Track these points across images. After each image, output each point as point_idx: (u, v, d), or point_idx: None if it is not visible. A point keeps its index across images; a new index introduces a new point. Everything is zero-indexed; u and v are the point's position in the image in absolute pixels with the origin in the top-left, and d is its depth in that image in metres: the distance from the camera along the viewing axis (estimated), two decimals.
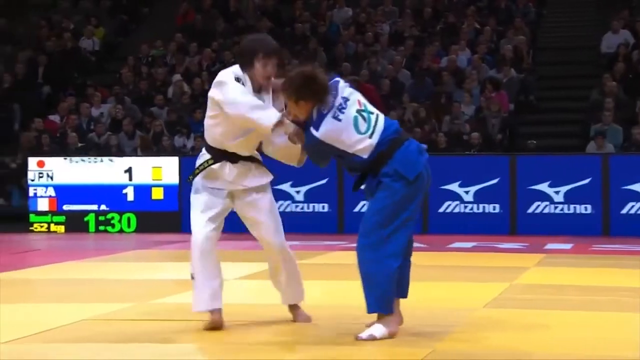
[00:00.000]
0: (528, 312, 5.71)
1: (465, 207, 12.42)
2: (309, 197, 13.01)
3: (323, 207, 12.98)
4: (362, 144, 4.79)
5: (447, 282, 7.39)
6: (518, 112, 15.37)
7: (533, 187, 12.34)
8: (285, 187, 13.03)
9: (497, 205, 12.26)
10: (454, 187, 12.52)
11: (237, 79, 4.98)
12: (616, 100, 14.16)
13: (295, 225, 12.83)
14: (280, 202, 13.03)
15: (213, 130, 5.07)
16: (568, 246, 10.60)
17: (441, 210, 12.51)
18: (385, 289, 4.64)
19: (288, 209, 12.94)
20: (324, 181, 12.93)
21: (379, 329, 4.65)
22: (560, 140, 14.87)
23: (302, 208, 13.02)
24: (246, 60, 5.03)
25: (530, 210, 12.34)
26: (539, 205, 12.34)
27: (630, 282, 7.16)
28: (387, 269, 4.63)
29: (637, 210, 12.07)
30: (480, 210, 12.30)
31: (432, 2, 17.88)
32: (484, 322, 5.36)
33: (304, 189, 13.01)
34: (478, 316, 5.56)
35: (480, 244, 10.72)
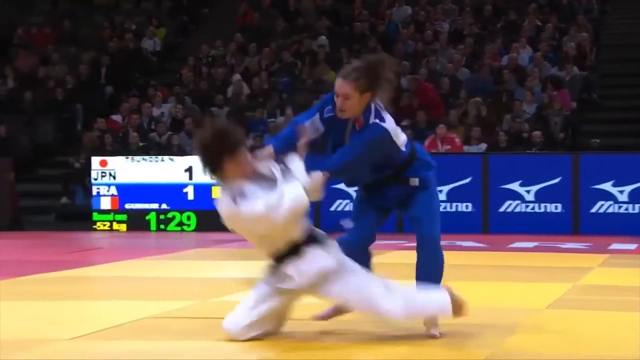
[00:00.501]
0: (591, 314, 5.61)
1: (527, 206, 12.26)
2: None
3: None
4: (403, 136, 4.75)
5: (508, 282, 7.30)
6: (581, 110, 15.13)
7: (596, 186, 12.14)
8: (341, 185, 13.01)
9: (559, 205, 12.09)
10: (514, 186, 12.37)
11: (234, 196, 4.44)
12: None
13: None
14: (339, 200, 13.02)
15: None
16: (633, 246, 10.39)
17: (502, 209, 12.37)
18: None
19: (347, 207, 12.92)
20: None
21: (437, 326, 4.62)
22: (623, 139, 14.61)
23: None
24: (215, 168, 4.49)
25: (593, 210, 12.13)
26: (602, 205, 12.13)
27: None
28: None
29: None
30: (542, 210, 12.14)
31: (492, 0, 17.70)
32: (547, 323, 5.28)
33: None
34: (541, 317, 5.48)
35: (542, 243, 10.57)
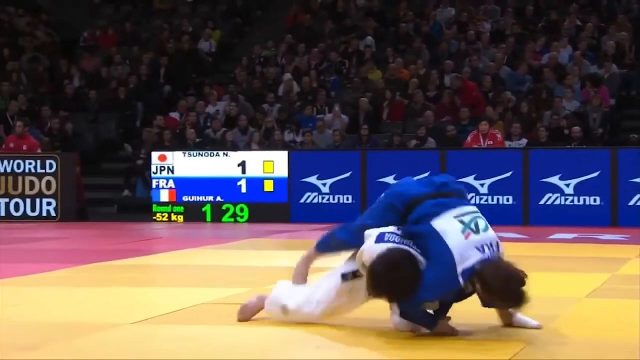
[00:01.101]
0: (631, 303, 5.54)
1: (566, 199, 12.12)
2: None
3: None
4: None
5: (548, 272, 7.22)
6: (620, 107, 14.91)
7: (635, 180, 11.95)
8: (390, 179, 12.99)
9: (598, 198, 11.93)
10: (554, 180, 12.24)
11: None
12: None
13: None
14: None
15: None
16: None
17: (542, 202, 12.25)
18: None
19: None
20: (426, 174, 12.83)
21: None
22: None
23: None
24: None
25: (631, 203, 11.95)
26: None
27: None
28: None
29: None
30: (581, 203, 11.99)
31: (534, 1, 17.51)
32: (587, 311, 5.23)
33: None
34: (581, 306, 5.43)
35: (582, 235, 10.44)
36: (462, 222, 4.10)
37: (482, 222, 4.14)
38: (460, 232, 4.06)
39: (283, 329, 4.67)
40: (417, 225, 4.15)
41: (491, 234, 4.14)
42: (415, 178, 4.58)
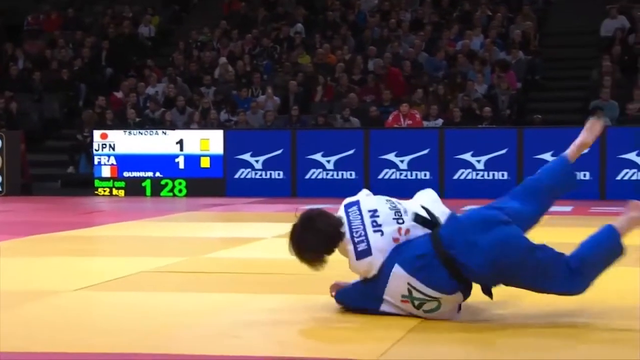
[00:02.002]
0: None
1: (477, 174, 12.35)
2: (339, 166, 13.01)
3: (350, 175, 12.97)
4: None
5: None
6: (525, 90, 15.21)
7: (538, 156, 12.25)
8: (317, 156, 13.04)
9: (506, 173, 12.19)
10: (467, 156, 12.45)
11: None
12: (613, 79, 13.97)
13: (327, 190, 12.89)
14: (312, 170, 13.05)
15: None
16: (568, 209, 10.51)
17: (455, 177, 12.46)
18: None
19: (320, 176, 12.96)
20: (351, 151, 12.92)
21: None
22: (563, 115, 14.71)
23: (332, 175, 13.03)
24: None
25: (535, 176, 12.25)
26: None
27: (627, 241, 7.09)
28: None
29: (631, 176, 11.96)
30: (491, 178, 12.23)
31: None
32: None
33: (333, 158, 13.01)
34: None
35: None
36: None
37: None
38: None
39: (222, 294, 4.67)
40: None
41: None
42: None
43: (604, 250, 3.76)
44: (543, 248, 3.76)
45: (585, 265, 3.70)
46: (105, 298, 4.55)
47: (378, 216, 3.81)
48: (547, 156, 12.26)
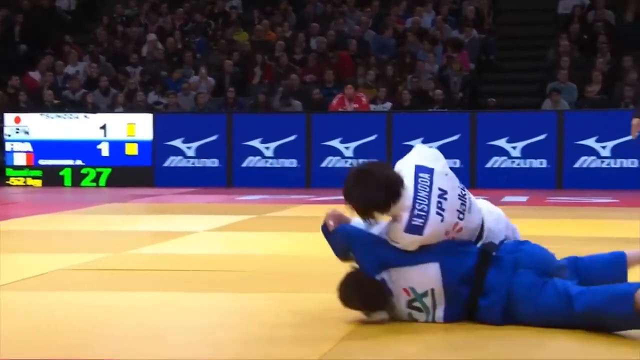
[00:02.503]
0: None
1: None
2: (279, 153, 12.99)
3: (291, 163, 12.98)
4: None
5: None
6: (479, 71, 15.39)
7: (492, 142, 12.43)
8: (255, 143, 13.01)
9: (458, 160, 12.34)
10: (417, 143, 12.55)
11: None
12: (571, 60, 14.22)
13: (266, 180, 12.87)
14: (250, 157, 13.02)
15: None
16: (524, 199, 10.71)
17: None
18: None
19: (259, 164, 12.93)
20: (292, 137, 12.92)
21: None
22: (518, 99, 14.94)
23: (271, 164, 13.02)
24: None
25: (489, 165, 12.43)
26: (497, 160, 12.44)
27: (580, 232, 7.27)
28: None
29: (589, 164, 12.22)
30: None
31: None
32: None
33: (273, 145, 13.00)
34: None
35: None
36: None
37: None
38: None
39: (149, 293, 4.63)
40: None
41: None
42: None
43: (614, 311, 3.53)
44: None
45: (589, 314, 3.57)
46: (18, 298, 4.48)
47: (446, 199, 3.72)
48: (502, 142, 12.46)
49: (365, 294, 3.71)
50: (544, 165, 12.29)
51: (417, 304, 3.73)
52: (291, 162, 12.91)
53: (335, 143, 12.80)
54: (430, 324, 3.75)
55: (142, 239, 6.98)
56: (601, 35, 14.56)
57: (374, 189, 3.65)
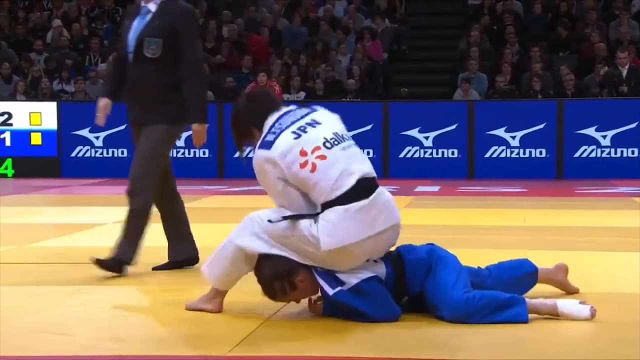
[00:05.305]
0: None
1: None
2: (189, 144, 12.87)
3: (204, 153, 12.88)
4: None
5: None
6: (391, 61, 15.54)
7: (405, 132, 12.58)
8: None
9: (371, 150, 12.44)
10: None
11: None
12: (481, 50, 14.49)
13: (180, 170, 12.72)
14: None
15: None
16: (436, 188, 10.88)
17: None
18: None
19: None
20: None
21: None
22: (430, 88, 15.14)
23: (183, 154, 12.89)
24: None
25: (402, 155, 12.58)
26: (410, 150, 12.60)
27: (488, 221, 7.43)
28: None
29: (500, 153, 12.49)
30: None
31: None
32: None
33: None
34: None
35: None
36: None
37: None
38: None
39: (52, 287, 4.52)
40: None
41: None
42: None
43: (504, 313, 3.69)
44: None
45: (478, 307, 3.67)
46: None
47: (315, 127, 3.82)
48: (414, 132, 12.62)
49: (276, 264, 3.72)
50: (456, 155, 12.51)
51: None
52: (203, 152, 12.80)
53: None
54: (351, 322, 3.77)
55: (46, 232, 6.82)
56: (509, 26, 14.88)
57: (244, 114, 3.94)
